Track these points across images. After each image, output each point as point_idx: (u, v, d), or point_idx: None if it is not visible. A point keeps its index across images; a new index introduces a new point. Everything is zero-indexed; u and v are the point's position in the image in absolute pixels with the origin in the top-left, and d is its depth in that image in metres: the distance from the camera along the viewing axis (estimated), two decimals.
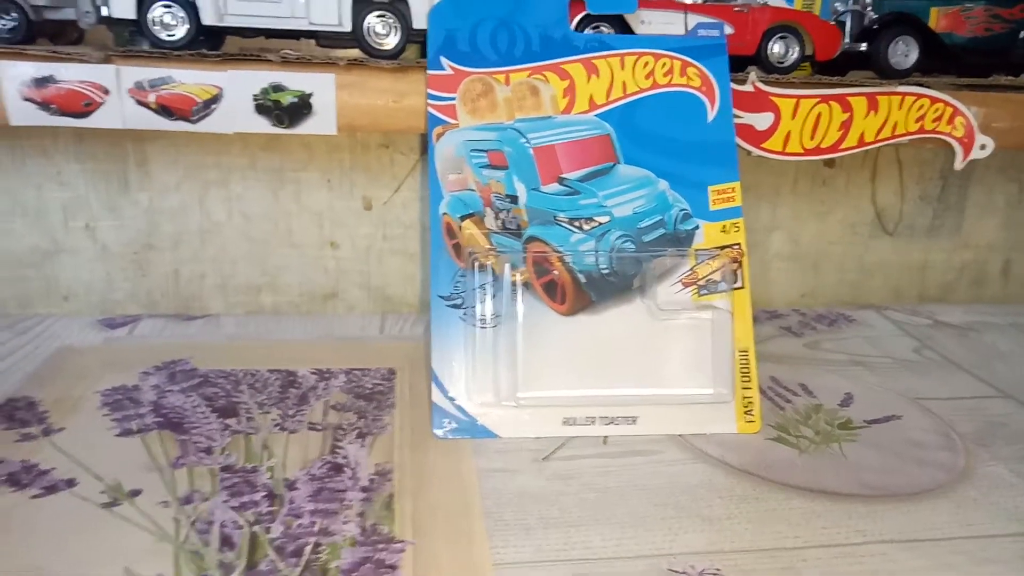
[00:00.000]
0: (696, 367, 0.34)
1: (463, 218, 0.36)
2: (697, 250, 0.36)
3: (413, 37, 0.39)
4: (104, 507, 0.27)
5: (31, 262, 0.47)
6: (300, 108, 0.37)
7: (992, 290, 0.57)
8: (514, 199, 0.36)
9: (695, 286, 0.35)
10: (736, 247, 0.36)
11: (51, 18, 0.38)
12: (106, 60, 0.35)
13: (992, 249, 0.57)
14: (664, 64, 0.38)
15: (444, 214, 0.36)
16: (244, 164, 0.47)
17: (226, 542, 0.25)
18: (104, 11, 0.37)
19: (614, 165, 0.36)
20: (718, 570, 0.25)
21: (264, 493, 0.28)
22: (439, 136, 0.36)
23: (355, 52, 0.39)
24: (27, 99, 0.35)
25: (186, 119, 0.36)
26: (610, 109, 0.37)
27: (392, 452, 0.32)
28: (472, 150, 0.36)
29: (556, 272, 0.35)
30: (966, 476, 0.32)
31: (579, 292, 0.35)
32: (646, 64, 0.38)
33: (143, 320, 0.46)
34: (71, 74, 0.35)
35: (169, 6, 0.37)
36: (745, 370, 0.35)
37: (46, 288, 0.47)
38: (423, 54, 0.38)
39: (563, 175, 0.36)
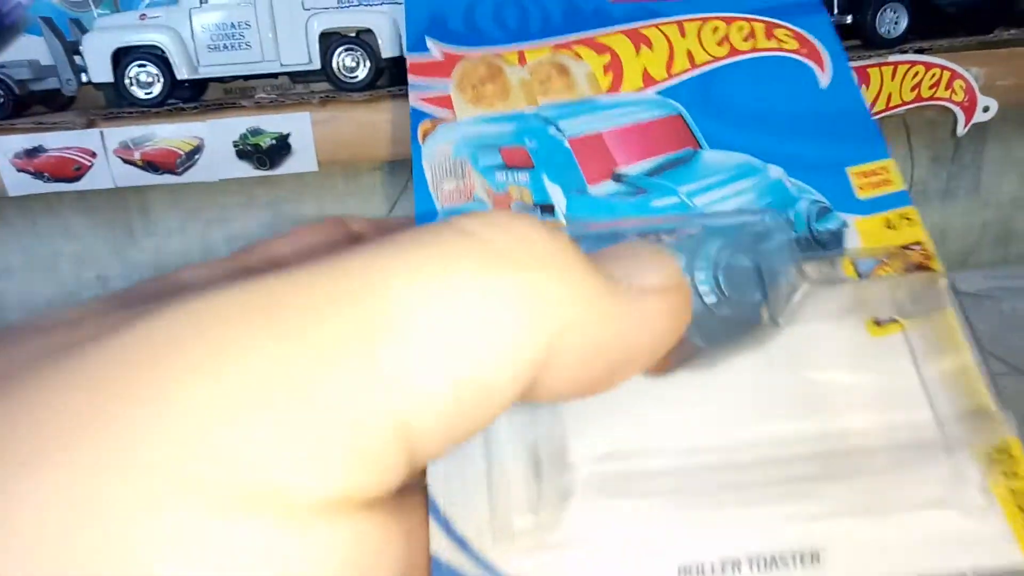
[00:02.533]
0: (910, 437, 0.19)
1: None
2: (853, 252, 0.22)
3: (383, 66, 0.39)
4: None
5: None
6: (280, 149, 0.37)
7: (1019, 248, 0.54)
8: (548, 208, 0.23)
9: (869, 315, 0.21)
10: (917, 248, 0.22)
11: (36, 89, 0.40)
12: (90, 125, 0.36)
13: (1015, 205, 0.53)
14: (741, 28, 0.26)
15: None
16: (242, 201, 0.47)
17: None
18: (84, 77, 0.38)
19: (696, 152, 0.24)
20: None
21: None
22: (426, 134, 0.24)
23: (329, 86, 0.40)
24: (21, 170, 0.37)
25: (172, 172, 0.37)
26: (676, 84, 0.25)
27: None
28: (478, 147, 0.24)
29: None
30: None
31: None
32: (715, 29, 0.26)
33: None
34: (58, 142, 0.36)
35: (144, 65, 0.37)
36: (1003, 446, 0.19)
37: None
38: (393, 82, 0.38)
39: (620, 169, 0.23)
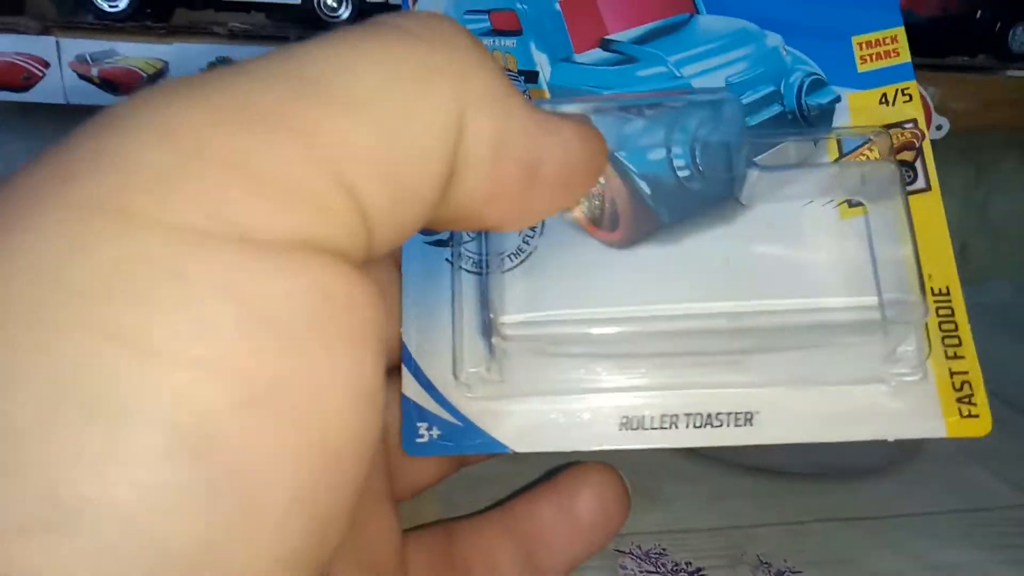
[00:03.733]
0: (852, 316, 0.20)
1: None
2: (839, 129, 0.22)
3: (366, 8, 0.38)
4: None
5: None
6: None
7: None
8: (532, 76, 0.23)
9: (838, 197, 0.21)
10: (910, 125, 0.22)
11: None
12: (45, 31, 0.33)
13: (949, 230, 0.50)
14: None
15: None
16: None
17: None
18: None
19: (691, 17, 0.23)
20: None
21: None
22: None
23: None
24: None
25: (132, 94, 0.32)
26: None
27: None
28: (467, 12, 0.24)
29: (601, 180, 0.22)
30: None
31: (640, 209, 0.21)
32: None
33: None
34: (7, 45, 0.33)
35: None
36: (949, 322, 0.20)
37: None
38: None
39: (609, 36, 0.23)
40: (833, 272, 0.20)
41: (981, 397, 0.19)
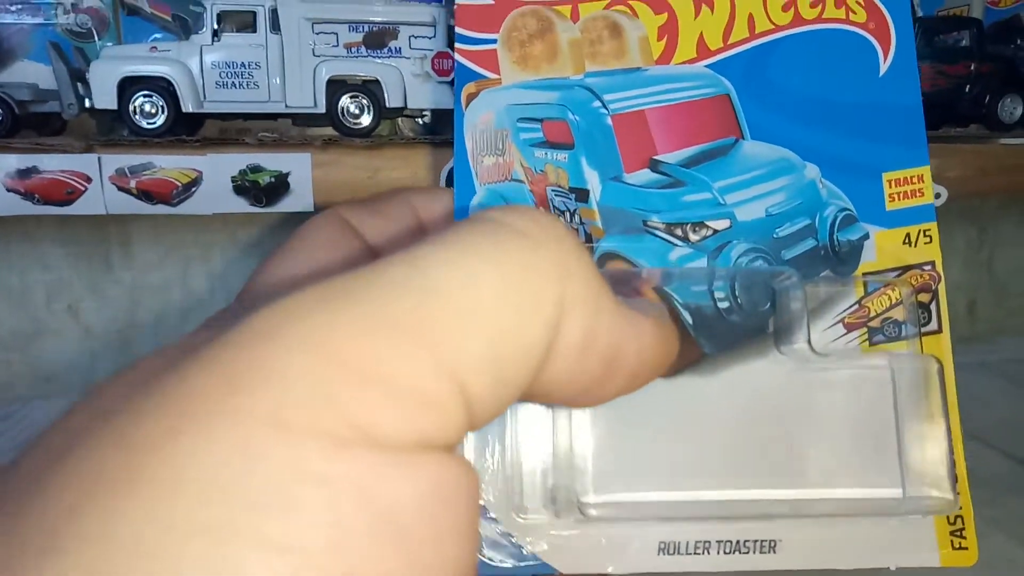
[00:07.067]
0: (874, 454, 0.22)
1: None
2: (866, 274, 0.23)
3: (386, 115, 0.41)
4: None
5: (14, 345, 0.48)
6: (278, 187, 0.38)
7: (959, 330, 0.59)
8: (582, 194, 0.23)
9: (865, 328, 0.23)
10: (928, 268, 0.23)
11: (36, 111, 0.40)
12: (88, 149, 0.36)
13: (957, 289, 0.58)
14: None
15: None
16: (224, 239, 0.47)
17: None
18: (87, 103, 0.39)
19: (737, 141, 0.24)
20: None
21: None
22: (471, 98, 0.24)
23: (330, 131, 0.41)
24: (11, 190, 0.36)
25: (167, 203, 0.37)
26: (730, 56, 0.24)
27: None
28: (520, 119, 0.24)
29: None
30: None
31: (683, 339, 0.22)
32: None
33: None
34: (54, 164, 0.36)
35: (149, 95, 0.38)
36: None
37: (29, 371, 0.42)
38: (395, 131, 0.41)
39: (658, 157, 0.24)
40: (864, 459, 0.22)
41: (971, 531, 0.22)
